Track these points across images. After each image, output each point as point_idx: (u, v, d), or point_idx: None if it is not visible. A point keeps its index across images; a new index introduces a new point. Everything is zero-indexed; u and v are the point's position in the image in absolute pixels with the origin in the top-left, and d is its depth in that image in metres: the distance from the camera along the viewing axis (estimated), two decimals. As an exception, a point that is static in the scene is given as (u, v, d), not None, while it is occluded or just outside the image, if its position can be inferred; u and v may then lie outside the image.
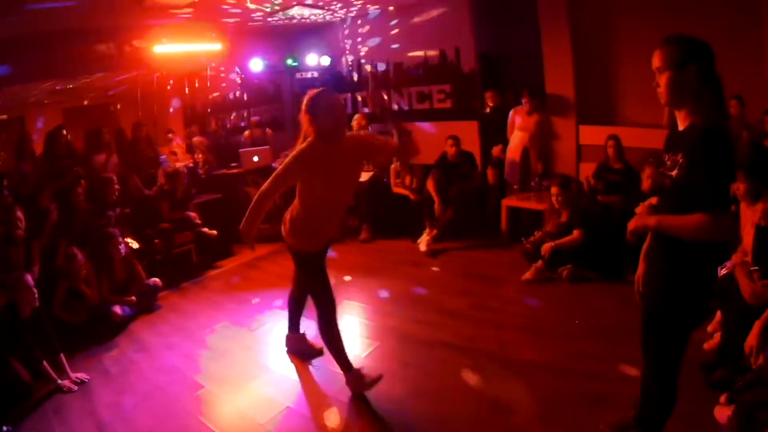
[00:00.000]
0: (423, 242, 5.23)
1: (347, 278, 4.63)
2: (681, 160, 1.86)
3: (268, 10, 5.84)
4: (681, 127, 1.94)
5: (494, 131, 5.87)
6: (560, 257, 4.37)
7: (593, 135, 5.50)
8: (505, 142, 5.77)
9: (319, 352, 3.25)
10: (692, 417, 2.35)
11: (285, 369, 3.25)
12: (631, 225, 2.00)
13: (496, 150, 5.74)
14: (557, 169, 5.74)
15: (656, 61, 1.94)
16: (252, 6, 5.42)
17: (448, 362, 3.16)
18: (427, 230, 5.30)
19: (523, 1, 5.86)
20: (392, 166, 5.68)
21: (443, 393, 2.88)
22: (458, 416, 2.69)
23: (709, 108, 1.83)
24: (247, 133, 6.55)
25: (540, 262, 4.39)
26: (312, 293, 2.91)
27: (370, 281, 4.48)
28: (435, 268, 4.82)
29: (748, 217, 2.96)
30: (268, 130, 6.67)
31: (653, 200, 3.45)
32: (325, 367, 3.18)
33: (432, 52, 6.52)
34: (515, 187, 5.60)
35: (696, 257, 1.86)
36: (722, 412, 2.39)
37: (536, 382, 2.93)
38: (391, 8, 6.71)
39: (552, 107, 5.76)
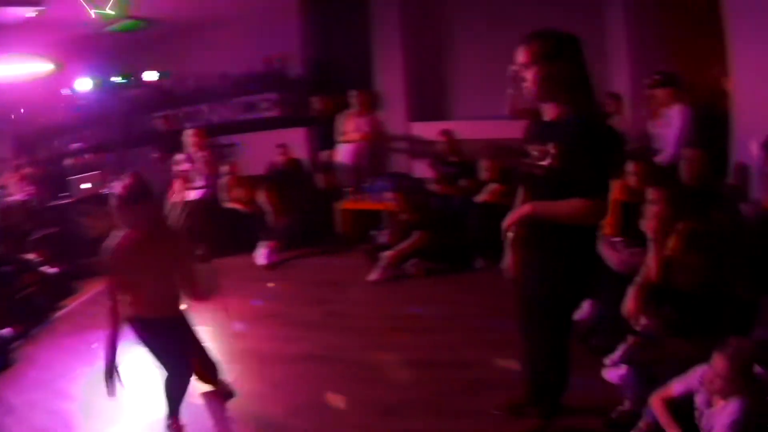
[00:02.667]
0: (262, 255, 5.22)
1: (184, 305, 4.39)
2: (553, 150, 2.01)
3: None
4: (549, 118, 2.11)
5: (324, 136, 6.06)
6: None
7: (426, 131, 6.00)
8: (337, 146, 5.96)
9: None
10: (583, 383, 2.66)
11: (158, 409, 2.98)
12: (509, 221, 2.17)
13: (326, 155, 5.93)
14: (390, 168, 6.14)
15: (521, 57, 2.06)
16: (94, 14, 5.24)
17: (318, 375, 3.20)
18: (264, 243, 5.29)
19: (354, 3, 6.19)
20: (222, 179, 5.60)
21: (324, 406, 2.91)
22: (348, 425, 2.75)
23: (581, 100, 2.03)
24: (74, 159, 6.43)
25: (385, 261, 4.66)
26: None
27: (214, 303, 4.33)
28: (280, 281, 4.83)
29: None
30: (91, 155, 6.57)
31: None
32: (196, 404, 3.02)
33: (259, 60, 6.63)
34: (349, 190, 5.80)
35: (573, 240, 2.09)
36: (613, 373, 2.81)
37: (413, 379, 3.11)
38: (217, 17, 6.62)
39: (383, 107, 6.13)
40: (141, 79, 6.93)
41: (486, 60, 5.91)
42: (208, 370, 2.88)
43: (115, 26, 6.04)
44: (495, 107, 5.75)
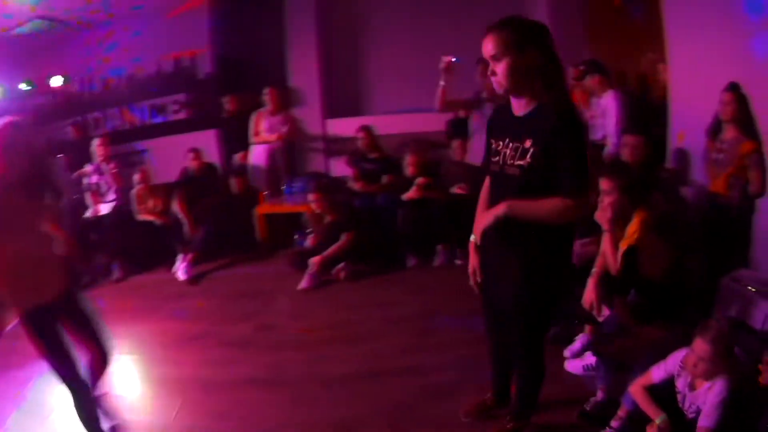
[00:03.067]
0: (180, 269, 4.88)
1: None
2: (532, 147, 1.91)
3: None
4: (520, 112, 2.00)
5: (237, 138, 5.82)
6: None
7: (343, 127, 5.89)
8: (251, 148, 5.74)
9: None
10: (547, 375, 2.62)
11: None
12: (482, 225, 2.04)
13: (240, 157, 5.69)
14: (307, 168, 5.97)
15: (490, 48, 1.93)
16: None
17: (264, 400, 2.97)
18: (182, 255, 4.95)
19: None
20: (133, 190, 5.22)
21: (281, 432, 2.68)
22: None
23: (556, 90, 1.93)
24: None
25: (313, 268, 4.49)
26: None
27: (138, 327, 3.97)
28: (204, 297, 4.53)
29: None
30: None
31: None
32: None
33: (166, 59, 6.25)
34: (266, 192, 5.58)
35: (553, 238, 2.03)
36: (574, 364, 2.88)
37: (365, 392, 2.96)
38: (127, 15, 6.17)
39: (298, 104, 5.97)
40: (47, 85, 6.49)
41: (402, 53, 5.95)
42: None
43: (24, 28, 5.65)
44: (413, 100, 5.82)
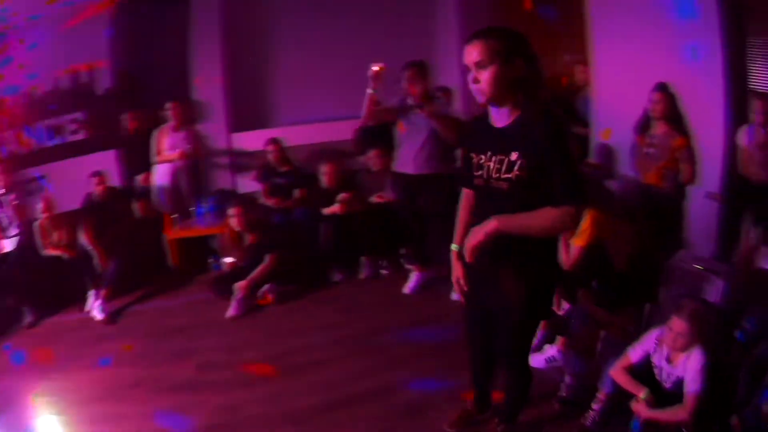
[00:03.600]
0: (95, 308, 4.45)
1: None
2: (519, 160, 1.91)
3: None
4: (501, 124, 2.00)
5: (139, 158, 5.45)
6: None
7: (250, 141, 5.70)
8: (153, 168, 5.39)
9: None
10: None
11: None
12: (474, 242, 1.99)
13: (142, 179, 5.32)
14: (214, 186, 5.70)
15: (475, 56, 1.91)
16: None
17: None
18: (94, 292, 4.54)
19: (170, 7, 5.62)
20: (36, 222, 4.72)
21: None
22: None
23: (539, 101, 1.95)
24: None
25: (240, 294, 4.28)
26: None
27: (62, 380, 3.57)
28: (127, 336, 4.16)
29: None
30: None
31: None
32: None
33: (65, 74, 5.74)
34: (174, 216, 5.26)
35: (543, 248, 2.08)
36: (537, 359, 2.97)
37: (341, 422, 2.90)
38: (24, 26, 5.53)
39: (202, 119, 5.70)
40: None
41: (308, 62, 5.82)
42: None
43: None
44: (321, 109, 5.80)
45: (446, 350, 3.29)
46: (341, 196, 4.79)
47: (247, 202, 4.85)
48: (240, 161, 5.83)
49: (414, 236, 4.46)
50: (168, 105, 5.30)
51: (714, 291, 2.80)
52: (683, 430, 2.41)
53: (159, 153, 5.34)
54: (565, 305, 3.14)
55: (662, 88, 3.45)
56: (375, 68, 3.78)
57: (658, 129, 3.51)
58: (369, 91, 3.87)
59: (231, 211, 4.49)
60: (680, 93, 3.42)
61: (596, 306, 2.94)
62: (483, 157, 2.04)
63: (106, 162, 5.58)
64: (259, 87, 5.98)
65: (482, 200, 2.15)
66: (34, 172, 5.55)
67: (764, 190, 3.15)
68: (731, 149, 3.38)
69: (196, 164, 5.61)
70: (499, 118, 2.00)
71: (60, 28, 5.55)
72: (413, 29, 5.96)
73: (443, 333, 3.51)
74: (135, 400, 3.28)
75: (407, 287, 4.41)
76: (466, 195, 2.30)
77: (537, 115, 1.92)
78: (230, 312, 4.24)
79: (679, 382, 2.44)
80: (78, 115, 5.87)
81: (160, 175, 5.38)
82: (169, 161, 5.31)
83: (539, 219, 1.92)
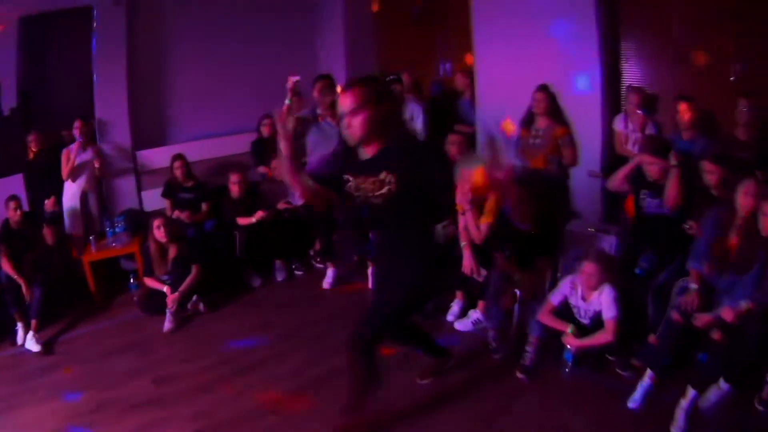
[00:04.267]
0: (29, 340, 4.32)
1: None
2: (390, 177, 2.31)
3: None
4: (370, 154, 2.39)
5: (44, 180, 5.36)
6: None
7: (152, 158, 5.83)
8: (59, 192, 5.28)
9: None
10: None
11: None
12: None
13: (49, 203, 5.17)
14: (121, 205, 5.73)
15: (349, 103, 2.28)
16: None
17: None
18: (21, 324, 4.41)
19: (74, 24, 5.54)
20: None
21: None
22: None
23: (399, 131, 2.45)
24: None
25: (173, 307, 4.44)
26: None
27: (10, 420, 3.48)
28: (71, 364, 4.12)
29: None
30: None
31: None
32: None
33: None
34: (91, 237, 5.25)
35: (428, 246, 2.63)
36: (463, 324, 3.66)
37: (317, 400, 3.25)
38: None
39: (105, 137, 5.68)
40: None
41: (203, 78, 6.12)
42: None
43: None
44: (217, 124, 6.20)
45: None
46: (258, 214, 5.09)
47: (169, 218, 4.95)
48: (145, 178, 5.89)
49: (323, 236, 4.97)
50: (75, 123, 5.25)
51: (608, 245, 3.62)
52: (606, 355, 3.15)
53: (67, 173, 5.28)
54: (483, 272, 3.77)
55: (544, 88, 4.24)
56: (293, 80, 4.22)
57: (541, 123, 4.29)
58: (286, 102, 4.25)
59: (155, 222, 4.58)
60: (560, 91, 4.24)
61: (510, 266, 3.61)
62: (358, 181, 2.42)
63: (11, 187, 5.30)
64: (158, 105, 6.11)
65: (368, 213, 2.55)
66: None
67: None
68: (608, 134, 4.28)
69: (102, 184, 5.61)
70: (368, 150, 2.40)
71: None
72: (299, 46, 6.64)
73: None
74: (103, 424, 3.30)
75: (326, 283, 4.86)
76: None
77: (395, 141, 2.37)
78: (167, 326, 4.38)
79: (595, 317, 3.17)
80: None
81: (68, 197, 5.33)
82: (78, 182, 5.33)
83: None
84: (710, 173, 3.25)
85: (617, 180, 3.65)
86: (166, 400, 3.45)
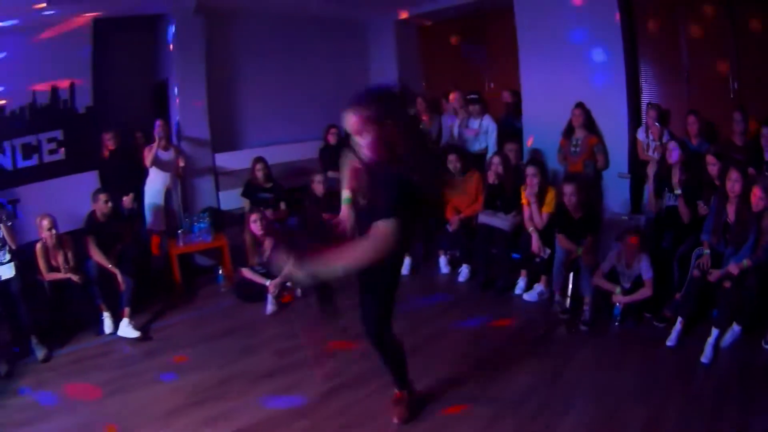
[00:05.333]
0: (123, 328, 4.82)
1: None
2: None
3: None
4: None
5: (117, 178, 5.77)
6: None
7: (229, 161, 6.70)
8: (137, 189, 5.82)
9: None
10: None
11: None
12: None
13: (126, 200, 5.62)
14: (200, 204, 6.51)
15: (353, 126, 2.45)
16: None
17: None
18: (109, 314, 4.88)
19: (146, 31, 6.25)
20: (39, 244, 4.80)
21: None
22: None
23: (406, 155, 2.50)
24: None
25: (275, 292, 5.15)
26: None
27: (118, 405, 3.78)
28: (174, 349, 4.52)
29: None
30: None
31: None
32: None
33: (41, 90, 5.75)
34: (161, 231, 5.93)
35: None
36: (529, 295, 4.92)
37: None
38: None
39: (187, 139, 6.41)
40: None
41: (274, 88, 7.10)
42: None
43: None
44: (283, 132, 7.18)
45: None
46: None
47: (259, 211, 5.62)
48: (222, 179, 6.73)
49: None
50: (156, 122, 5.82)
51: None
52: (644, 313, 4.30)
53: (148, 170, 5.87)
54: (547, 251, 4.96)
55: (580, 105, 5.49)
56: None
57: (578, 134, 5.54)
58: None
59: (252, 217, 5.32)
60: (592, 107, 5.49)
61: (569, 243, 4.79)
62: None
63: (86, 183, 5.74)
64: (232, 111, 6.98)
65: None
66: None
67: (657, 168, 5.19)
68: (633, 143, 5.53)
69: (184, 182, 6.33)
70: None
71: (36, 41, 5.67)
72: (354, 65, 7.87)
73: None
74: (234, 395, 3.72)
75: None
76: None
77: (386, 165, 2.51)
78: (269, 309, 5.12)
79: (635, 280, 4.34)
80: (55, 133, 5.90)
81: (151, 194, 5.93)
82: (162, 180, 5.97)
83: (365, 248, 2.43)
84: (712, 165, 4.50)
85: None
86: (292, 368, 3.99)
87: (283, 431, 3.34)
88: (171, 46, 6.38)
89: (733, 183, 4.06)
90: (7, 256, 4.72)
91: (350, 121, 2.43)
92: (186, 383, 3.95)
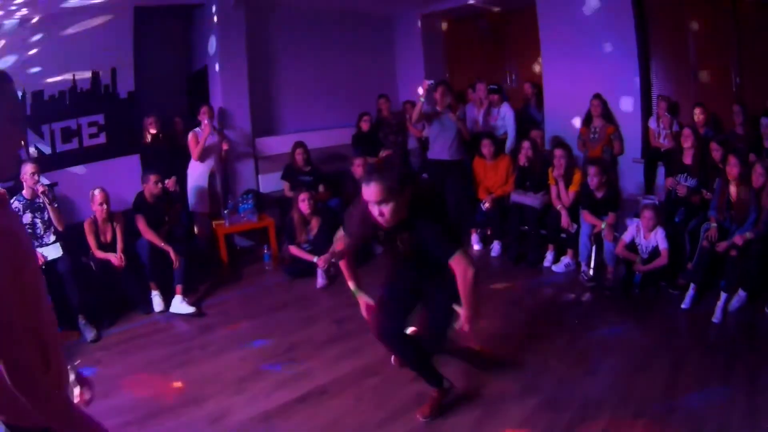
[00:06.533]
0: (177, 304, 5.18)
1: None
2: (406, 236, 2.90)
3: None
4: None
5: (159, 162, 6.04)
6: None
7: (269, 145, 7.27)
8: (178, 172, 6.19)
9: None
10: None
11: None
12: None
13: (170, 183, 5.95)
14: (241, 187, 7.03)
15: (375, 196, 2.70)
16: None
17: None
18: (158, 292, 5.22)
19: (184, 21, 6.81)
20: (88, 220, 5.12)
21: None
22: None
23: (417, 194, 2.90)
24: None
25: (324, 266, 5.64)
26: None
27: (196, 374, 4.11)
28: (232, 323, 4.95)
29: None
30: None
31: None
32: None
33: (82, 75, 6.05)
34: (205, 213, 6.38)
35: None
36: (557, 267, 5.62)
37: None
38: (35, 19, 5.63)
39: (229, 124, 6.92)
40: None
41: (309, 78, 7.76)
42: None
43: None
44: (318, 119, 7.83)
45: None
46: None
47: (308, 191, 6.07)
48: (261, 163, 7.31)
49: None
50: (202, 109, 6.26)
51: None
52: (660, 282, 5.05)
53: (194, 155, 6.24)
54: (574, 225, 5.70)
55: (598, 96, 6.27)
56: (426, 83, 6.07)
57: (597, 122, 6.32)
58: (419, 100, 6.10)
59: (301, 196, 5.81)
60: (610, 98, 6.27)
61: (593, 219, 5.53)
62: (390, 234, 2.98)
63: (128, 166, 6.21)
64: (270, 98, 7.58)
65: (392, 254, 3.17)
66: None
67: (668, 153, 5.95)
68: (645, 131, 6.31)
69: (227, 164, 6.86)
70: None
71: (79, 26, 5.90)
72: (383, 57, 8.63)
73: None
74: (303, 359, 4.20)
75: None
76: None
77: (413, 208, 2.86)
78: (320, 282, 5.67)
79: (652, 251, 5.10)
80: (97, 118, 6.18)
81: (195, 177, 6.36)
82: (206, 163, 6.37)
83: (467, 289, 2.89)
84: (715, 151, 5.25)
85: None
86: (354, 334, 4.43)
87: (355, 388, 3.80)
88: (212, 36, 6.89)
89: (732, 167, 4.82)
90: (53, 237, 4.99)
91: (373, 193, 2.70)
92: (253, 352, 4.38)
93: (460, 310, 3.00)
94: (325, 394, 3.76)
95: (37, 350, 1.44)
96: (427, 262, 3.05)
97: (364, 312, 3.37)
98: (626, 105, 6.42)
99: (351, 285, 3.36)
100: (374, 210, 2.75)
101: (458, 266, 2.84)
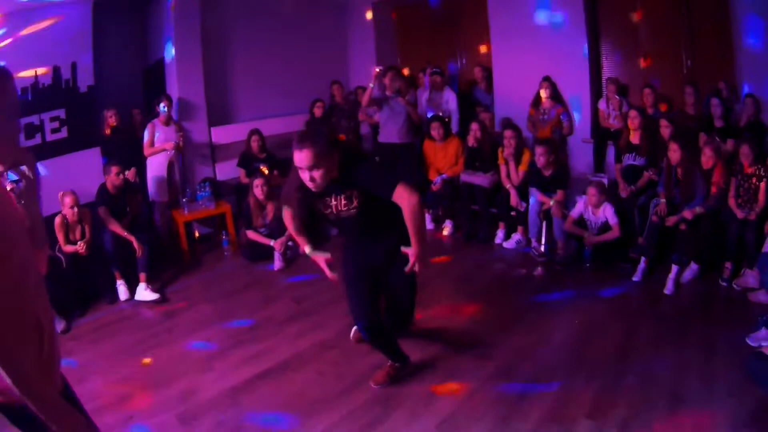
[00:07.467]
0: (141, 292, 5.30)
1: None
2: (354, 193, 2.98)
3: None
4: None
5: (119, 154, 6.15)
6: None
7: (224, 134, 7.36)
8: (138, 163, 6.24)
9: None
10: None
11: None
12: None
13: (130, 174, 5.99)
14: (198, 175, 7.16)
15: (306, 161, 2.76)
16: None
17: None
18: (123, 281, 5.33)
19: (140, 9, 6.83)
20: (57, 218, 5.15)
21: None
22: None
23: (349, 150, 3.01)
24: None
25: (281, 249, 5.79)
26: None
27: (157, 358, 4.25)
28: (198, 307, 5.09)
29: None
30: None
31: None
32: None
33: (43, 70, 6.09)
34: (164, 202, 6.45)
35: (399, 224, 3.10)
36: (508, 244, 5.68)
37: None
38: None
39: (185, 114, 7.01)
40: None
41: (262, 67, 7.82)
42: None
43: None
44: (272, 106, 7.88)
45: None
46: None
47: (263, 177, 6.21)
48: (218, 152, 7.43)
49: None
50: (162, 102, 6.30)
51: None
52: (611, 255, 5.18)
53: (150, 145, 6.34)
54: (523, 204, 5.76)
55: (547, 78, 6.48)
56: (377, 69, 6.18)
57: (546, 104, 6.48)
58: (370, 85, 6.12)
59: (256, 182, 5.95)
60: (558, 81, 6.42)
61: (543, 197, 5.64)
62: (328, 199, 3.09)
63: (90, 159, 6.20)
64: (225, 88, 7.64)
65: (339, 225, 3.34)
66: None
67: (617, 133, 6.13)
68: (594, 112, 6.45)
69: (185, 155, 6.91)
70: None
71: (39, 22, 5.91)
72: (335, 43, 8.73)
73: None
74: (268, 336, 4.40)
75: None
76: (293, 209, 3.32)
77: (350, 161, 2.95)
78: (277, 265, 5.87)
79: (601, 226, 5.25)
80: (59, 112, 6.18)
81: (154, 167, 6.43)
82: (165, 153, 6.37)
83: (415, 219, 2.88)
84: (665, 128, 5.52)
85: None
86: (312, 311, 4.78)
87: (316, 362, 4.03)
88: (167, 26, 6.97)
89: (673, 153, 5.06)
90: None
91: (304, 158, 2.77)
92: (217, 333, 4.60)
93: (409, 250, 3.00)
94: (288, 368, 4.00)
95: (35, 332, 1.53)
96: (374, 219, 3.14)
97: (325, 270, 3.35)
98: (576, 87, 6.64)
99: (306, 249, 3.39)
100: (305, 176, 2.84)
101: (401, 198, 2.86)
